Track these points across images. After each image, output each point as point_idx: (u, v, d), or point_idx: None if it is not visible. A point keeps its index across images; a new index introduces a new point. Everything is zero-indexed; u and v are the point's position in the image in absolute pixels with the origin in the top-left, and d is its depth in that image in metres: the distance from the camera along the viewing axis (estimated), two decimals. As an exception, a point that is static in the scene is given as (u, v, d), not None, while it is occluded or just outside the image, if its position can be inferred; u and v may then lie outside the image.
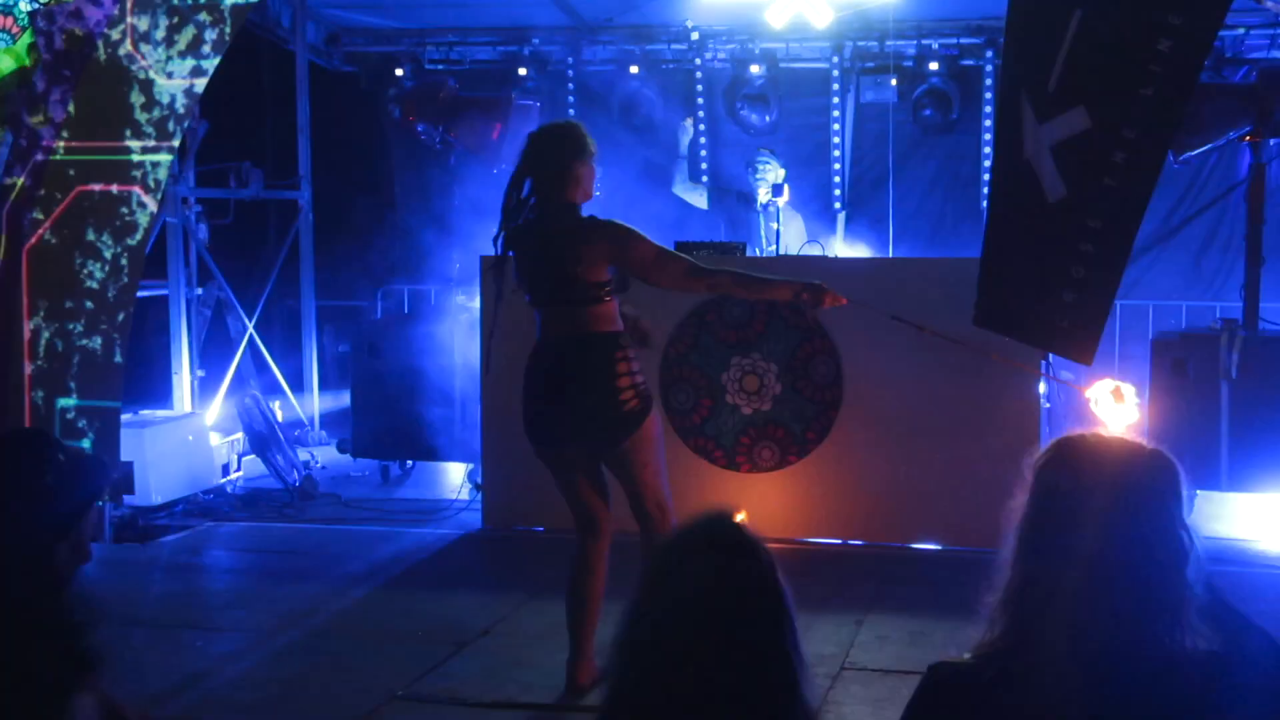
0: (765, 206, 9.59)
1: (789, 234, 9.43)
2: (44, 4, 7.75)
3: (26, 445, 2.94)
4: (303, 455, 9.81)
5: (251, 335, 10.54)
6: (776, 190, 9.46)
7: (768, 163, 9.63)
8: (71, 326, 7.77)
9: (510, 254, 5.44)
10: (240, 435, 9.53)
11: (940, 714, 2.35)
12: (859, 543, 7.69)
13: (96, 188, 7.75)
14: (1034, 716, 2.24)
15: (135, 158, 7.73)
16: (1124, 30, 4.17)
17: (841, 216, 11.64)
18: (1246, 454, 7.98)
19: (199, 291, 10.20)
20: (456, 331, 9.28)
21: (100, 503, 2.61)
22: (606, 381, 5.20)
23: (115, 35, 7.71)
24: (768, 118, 11.60)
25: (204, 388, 10.15)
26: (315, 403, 11.09)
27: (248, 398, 9.64)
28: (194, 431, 9.09)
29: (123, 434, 7.90)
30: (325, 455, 10.30)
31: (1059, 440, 2.42)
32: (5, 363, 7.77)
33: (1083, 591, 2.24)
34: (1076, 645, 2.23)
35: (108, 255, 7.72)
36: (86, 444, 7.72)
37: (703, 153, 11.77)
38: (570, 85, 11.98)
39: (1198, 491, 8.28)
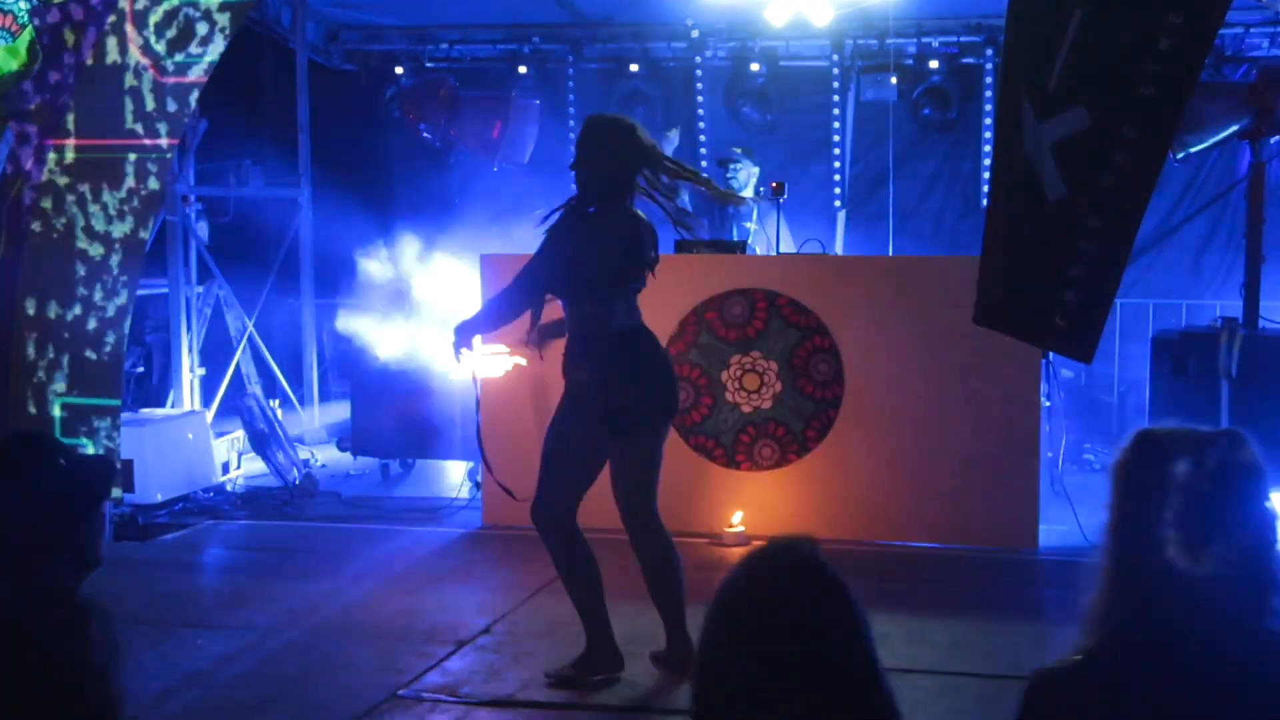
0: (739, 208, 9.64)
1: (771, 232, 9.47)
2: (44, 2, 7.75)
3: (25, 449, 2.76)
4: (302, 453, 9.82)
5: (251, 333, 10.54)
6: (755, 189, 9.57)
7: (739, 163, 9.69)
8: (71, 324, 7.77)
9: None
10: (240, 433, 9.53)
11: (1051, 715, 2.33)
12: (858, 541, 7.68)
13: (96, 185, 7.75)
14: (1143, 709, 2.24)
15: (135, 155, 7.73)
16: (1124, 29, 4.16)
17: (841, 215, 11.63)
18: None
19: (199, 290, 10.20)
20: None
21: (106, 506, 2.43)
22: None
23: (115, 33, 7.71)
24: (767, 116, 11.60)
25: (204, 386, 10.16)
26: (315, 401, 11.09)
27: (248, 396, 9.64)
28: (194, 430, 9.10)
29: (123, 432, 7.91)
30: (325, 454, 10.31)
31: (1140, 433, 2.41)
32: (4, 360, 7.77)
33: (1182, 580, 2.24)
34: (1183, 634, 2.23)
35: (107, 252, 7.72)
36: (87, 443, 7.72)
37: (702, 150, 11.77)
38: (570, 83, 11.98)
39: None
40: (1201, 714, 2.19)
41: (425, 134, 11.06)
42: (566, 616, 5.79)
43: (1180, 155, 9.49)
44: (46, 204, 7.79)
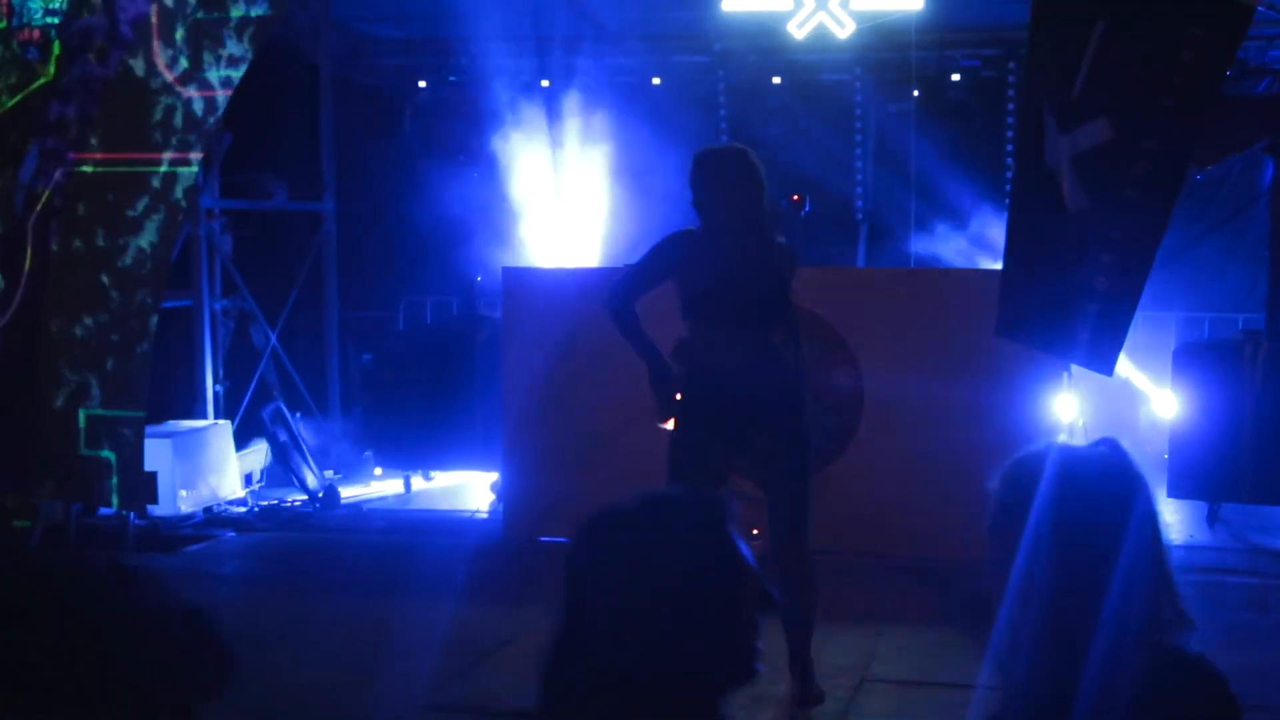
0: None
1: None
2: (71, 17, 7.80)
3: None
4: (324, 466, 9.84)
5: (275, 347, 10.58)
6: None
7: None
8: (95, 336, 7.81)
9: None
10: (263, 446, 9.56)
11: None
12: (882, 554, 7.67)
13: (122, 199, 7.79)
14: None
15: (160, 169, 7.77)
16: (1146, 41, 4.17)
17: (863, 227, 11.64)
18: (1271, 465, 7.95)
19: (223, 303, 10.25)
20: (479, 343, 9.30)
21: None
22: None
23: (141, 47, 7.76)
24: (789, 129, 11.60)
25: (228, 399, 10.19)
26: (338, 414, 11.12)
27: (271, 409, 9.68)
28: (218, 442, 9.13)
29: (147, 444, 7.94)
30: (347, 466, 10.33)
31: (1012, 464, 2.36)
32: (31, 373, 7.81)
33: (1075, 602, 2.23)
34: (1084, 657, 2.23)
35: (132, 266, 7.76)
36: (110, 454, 7.76)
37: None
38: (593, 96, 11.99)
39: (1222, 503, 8.28)
40: None
41: (447, 147, 11.08)
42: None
43: (1203, 169, 9.47)
44: (72, 217, 7.83)
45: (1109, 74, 4.31)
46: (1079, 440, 2.36)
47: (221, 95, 7.77)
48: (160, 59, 7.75)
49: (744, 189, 5.38)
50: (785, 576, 5.41)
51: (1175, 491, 8.23)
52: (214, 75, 7.74)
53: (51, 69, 7.84)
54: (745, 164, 5.44)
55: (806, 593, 5.43)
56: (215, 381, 9.97)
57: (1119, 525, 2.23)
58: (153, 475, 8.19)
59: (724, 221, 5.38)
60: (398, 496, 9.67)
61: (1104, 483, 2.27)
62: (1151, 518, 2.27)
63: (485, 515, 8.70)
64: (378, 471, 9.98)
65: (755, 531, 7.69)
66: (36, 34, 7.84)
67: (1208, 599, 7.05)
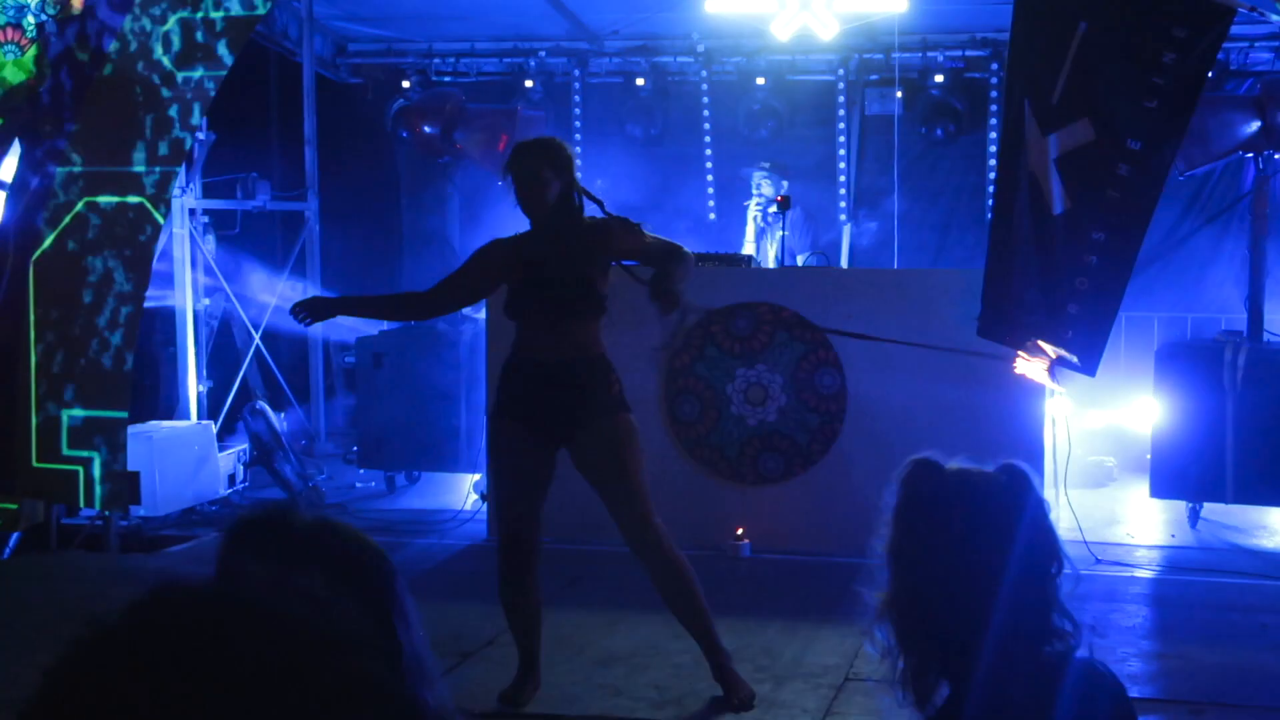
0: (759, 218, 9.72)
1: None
2: (53, 16, 7.78)
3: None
4: (308, 465, 9.83)
5: (258, 346, 10.56)
6: (767, 202, 9.67)
7: (766, 176, 9.83)
8: (78, 337, 7.79)
9: None
10: (246, 446, 9.54)
11: None
12: (864, 556, 7.67)
13: (104, 199, 7.78)
14: None
15: (142, 169, 7.75)
16: (1128, 42, 4.19)
17: (847, 228, 11.65)
18: (1251, 466, 7.98)
19: (206, 303, 10.22)
20: (462, 342, 9.30)
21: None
22: None
23: (123, 47, 7.74)
24: (772, 130, 11.62)
25: (211, 399, 10.17)
26: (321, 413, 11.11)
27: (254, 408, 9.66)
28: (200, 442, 9.11)
29: (129, 444, 7.92)
30: (331, 466, 10.32)
31: (914, 461, 2.46)
32: (12, 373, 7.80)
33: (968, 613, 2.31)
34: (965, 662, 2.31)
35: (115, 266, 7.75)
36: (94, 454, 7.74)
37: (708, 164, 11.79)
38: (576, 97, 12.00)
39: (1204, 504, 8.31)
40: None
41: (431, 148, 11.07)
42: (571, 628, 5.80)
43: (1184, 169, 9.50)
44: (55, 216, 7.81)
45: (1091, 75, 4.33)
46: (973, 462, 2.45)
47: (204, 94, 7.76)
48: (143, 58, 7.73)
49: (531, 181, 5.34)
50: (647, 569, 5.39)
51: (1157, 492, 8.26)
52: (197, 75, 7.73)
53: (34, 69, 7.82)
54: (533, 156, 5.40)
55: (672, 581, 5.39)
56: (198, 381, 9.95)
57: (1016, 548, 2.33)
58: (135, 475, 8.16)
59: (529, 216, 5.42)
60: (381, 496, 9.66)
61: (1004, 508, 2.36)
62: (1046, 542, 2.38)
63: (470, 508, 8.70)
64: (360, 471, 9.96)
65: (739, 531, 7.71)
66: (19, 32, 7.82)
67: (1190, 600, 7.08)
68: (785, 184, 10.06)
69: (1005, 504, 2.36)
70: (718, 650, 5.47)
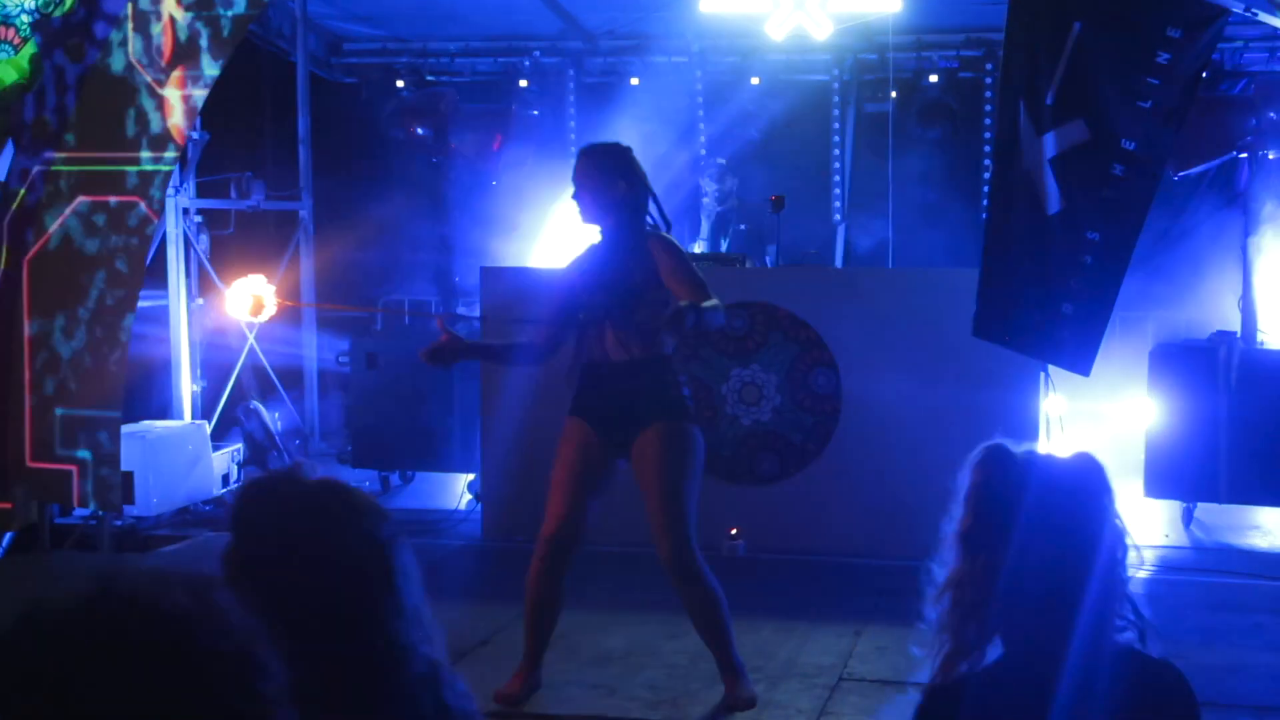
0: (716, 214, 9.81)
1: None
2: (46, 14, 7.77)
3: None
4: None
5: (252, 346, 10.55)
6: (722, 199, 9.82)
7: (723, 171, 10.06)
8: (72, 336, 7.78)
9: None
10: (240, 446, 9.53)
11: None
12: (858, 556, 7.68)
13: (97, 198, 7.76)
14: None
15: (136, 168, 7.74)
16: (1123, 43, 4.19)
17: (841, 228, 11.66)
18: (1245, 466, 7.98)
19: (200, 302, 10.21)
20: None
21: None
22: None
23: (116, 46, 7.73)
24: (768, 129, 11.63)
25: (205, 398, 10.16)
26: (315, 413, 11.10)
27: (248, 408, 9.64)
28: (194, 442, 9.10)
29: (123, 444, 7.90)
30: (325, 466, 10.29)
31: (992, 449, 2.47)
32: (6, 372, 7.78)
33: (1035, 593, 2.34)
34: (1039, 645, 2.34)
35: (108, 265, 7.73)
36: (86, 454, 7.72)
37: (703, 165, 11.79)
38: (571, 96, 12.00)
39: (1198, 503, 8.32)
40: None
41: (425, 147, 11.07)
42: (567, 628, 5.80)
43: (1180, 172, 9.51)
44: (48, 217, 7.79)
45: (1086, 76, 4.33)
46: (1053, 447, 2.49)
47: (198, 94, 7.74)
48: (137, 57, 7.72)
49: (591, 185, 5.39)
50: (674, 582, 5.36)
51: (1151, 492, 8.26)
52: (190, 73, 7.71)
53: (27, 66, 7.80)
54: (595, 160, 5.45)
55: (696, 598, 5.36)
56: (192, 381, 9.94)
57: (1096, 535, 2.38)
58: (129, 475, 8.15)
59: (592, 221, 5.45)
60: (375, 496, 9.63)
61: (1084, 494, 2.40)
62: (1119, 531, 2.43)
63: (464, 508, 8.69)
64: (354, 471, 9.94)
65: (734, 531, 7.71)
66: (11, 31, 7.81)
67: (1184, 599, 7.08)
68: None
69: (1077, 490, 2.39)
70: (733, 668, 5.45)
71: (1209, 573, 7.51)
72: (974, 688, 2.38)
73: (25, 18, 7.79)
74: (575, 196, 5.46)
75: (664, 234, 5.45)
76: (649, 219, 5.50)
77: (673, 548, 5.27)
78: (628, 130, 11.61)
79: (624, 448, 5.37)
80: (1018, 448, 2.46)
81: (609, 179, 5.39)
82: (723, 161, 10.35)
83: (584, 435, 5.40)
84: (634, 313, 5.30)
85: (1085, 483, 2.41)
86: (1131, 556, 2.44)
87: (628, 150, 5.56)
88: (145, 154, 7.73)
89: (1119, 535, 2.41)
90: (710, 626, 5.38)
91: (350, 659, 2.13)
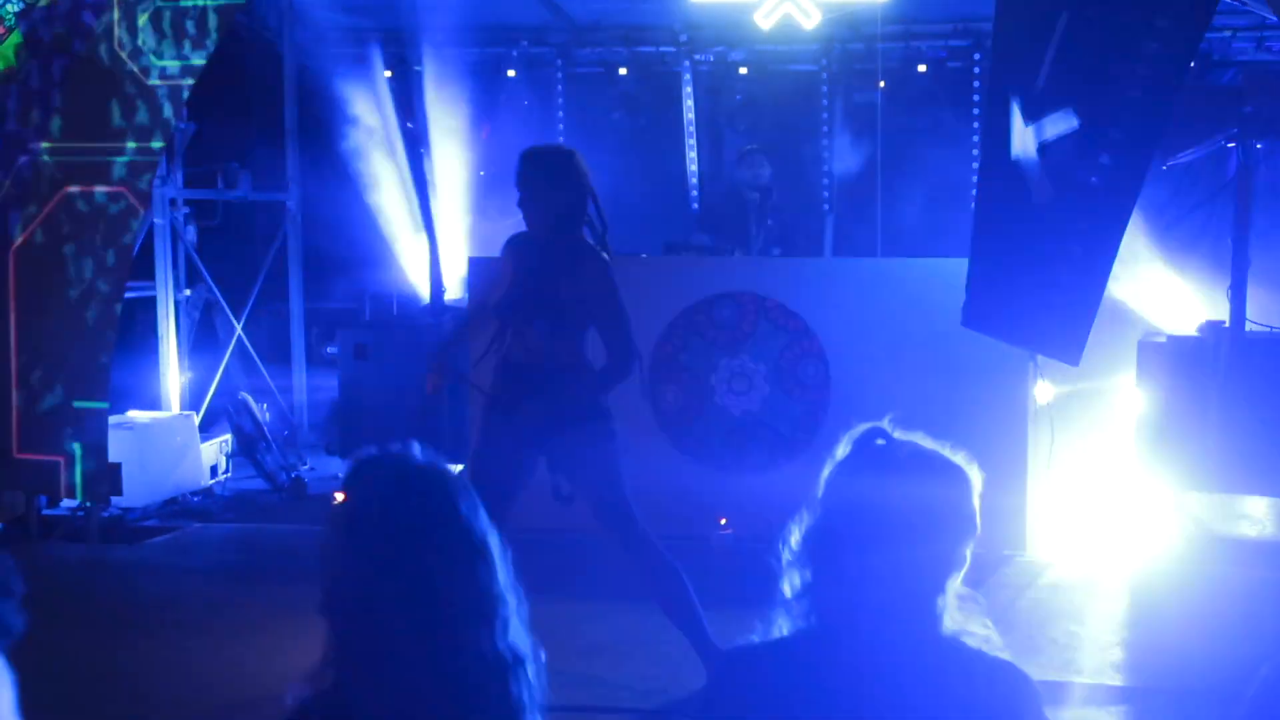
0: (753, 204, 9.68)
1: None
2: (31, 4, 7.73)
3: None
4: (290, 457, 9.80)
5: (240, 337, 10.53)
6: (766, 190, 9.60)
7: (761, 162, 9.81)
8: (58, 328, 7.75)
9: None
10: (228, 437, 9.51)
11: (740, 690, 2.44)
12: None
13: (83, 189, 7.74)
14: (820, 693, 2.35)
15: (122, 159, 7.71)
16: (1111, 32, 4.18)
17: (829, 218, 11.65)
18: (1235, 454, 7.99)
19: (187, 293, 10.18)
20: (445, 332, 9.27)
21: None
22: None
23: (102, 36, 7.70)
24: (755, 119, 11.62)
25: (192, 389, 10.13)
26: (304, 404, 11.08)
27: (236, 399, 9.62)
28: (182, 433, 9.07)
29: (111, 435, 7.89)
30: (313, 457, 10.28)
31: (855, 440, 2.56)
32: (-8, 364, 7.76)
33: (858, 584, 2.37)
34: (855, 629, 2.36)
35: (95, 256, 7.71)
36: (74, 446, 7.70)
37: (692, 154, 11.78)
38: (559, 87, 11.98)
39: (1187, 492, 8.32)
40: (869, 710, 2.31)
41: (412, 138, 11.05)
42: (555, 619, 5.79)
43: (1167, 161, 9.50)
44: (34, 207, 7.77)
45: (1074, 65, 4.33)
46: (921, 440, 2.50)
47: (185, 84, 7.72)
48: (123, 47, 7.69)
49: (531, 192, 5.39)
50: (638, 565, 5.44)
51: (1141, 480, 8.27)
52: (177, 64, 7.69)
53: (12, 56, 7.77)
54: (536, 165, 5.43)
55: (662, 579, 5.44)
56: (180, 372, 9.91)
57: (936, 523, 2.41)
58: (117, 466, 8.13)
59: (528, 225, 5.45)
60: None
61: (936, 484, 2.45)
62: (965, 525, 2.44)
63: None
64: (342, 462, 9.93)
65: (723, 521, 7.71)
66: (-3, 22, 7.77)
67: (1171, 589, 7.09)
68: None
69: (931, 477, 2.45)
70: (707, 644, 5.47)
71: (1197, 561, 7.52)
72: (769, 656, 2.43)
73: (11, 7, 7.76)
74: (519, 202, 5.44)
75: (601, 258, 5.40)
76: (588, 224, 5.46)
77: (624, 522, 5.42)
78: (615, 120, 11.63)
79: (542, 447, 5.43)
80: (891, 434, 2.53)
81: (549, 187, 5.38)
82: (753, 148, 10.19)
83: (503, 431, 5.45)
84: (556, 326, 5.33)
85: (942, 476, 2.45)
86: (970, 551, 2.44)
87: (570, 155, 5.50)
88: (131, 144, 7.71)
89: (962, 529, 2.42)
90: (673, 596, 5.48)
91: (431, 634, 2.23)
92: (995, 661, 2.40)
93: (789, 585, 2.47)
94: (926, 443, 2.50)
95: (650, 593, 5.50)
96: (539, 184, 5.38)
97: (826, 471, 2.55)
